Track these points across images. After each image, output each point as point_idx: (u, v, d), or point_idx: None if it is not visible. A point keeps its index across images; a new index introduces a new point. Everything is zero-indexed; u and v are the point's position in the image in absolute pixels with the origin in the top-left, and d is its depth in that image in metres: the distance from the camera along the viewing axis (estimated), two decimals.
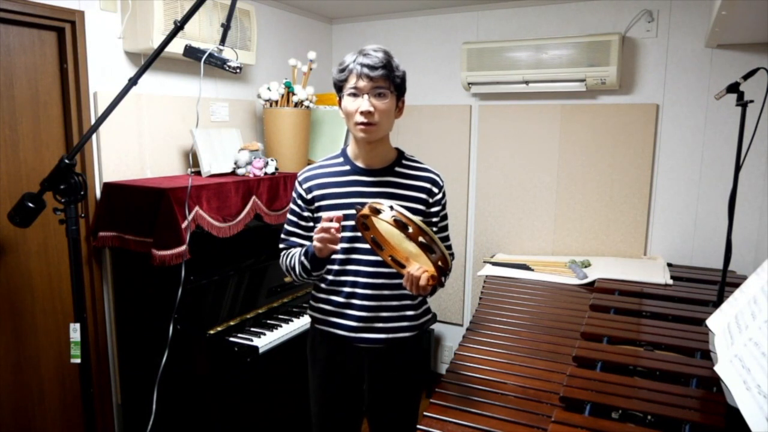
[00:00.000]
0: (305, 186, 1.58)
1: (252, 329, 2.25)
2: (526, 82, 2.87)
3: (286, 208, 2.30)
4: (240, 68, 1.80)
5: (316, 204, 1.56)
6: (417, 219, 1.22)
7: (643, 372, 1.52)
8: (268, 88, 2.70)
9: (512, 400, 1.42)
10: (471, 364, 1.63)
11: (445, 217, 1.64)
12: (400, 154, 1.61)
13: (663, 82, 2.70)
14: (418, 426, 1.32)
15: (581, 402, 1.35)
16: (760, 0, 1.65)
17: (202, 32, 2.39)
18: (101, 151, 2.22)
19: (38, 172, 2.06)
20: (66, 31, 2.09)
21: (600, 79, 2.68)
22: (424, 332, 1.68)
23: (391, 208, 1.24)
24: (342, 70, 1.48)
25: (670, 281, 2.33)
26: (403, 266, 1.36)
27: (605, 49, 2.64)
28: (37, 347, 2.13)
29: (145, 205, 2.05)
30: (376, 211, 1.25)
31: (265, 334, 2.20)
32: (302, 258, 1.52)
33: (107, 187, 2.18)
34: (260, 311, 2.38)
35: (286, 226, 1.64)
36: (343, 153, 1.61)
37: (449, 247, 1.67)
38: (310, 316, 1.67)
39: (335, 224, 1.37)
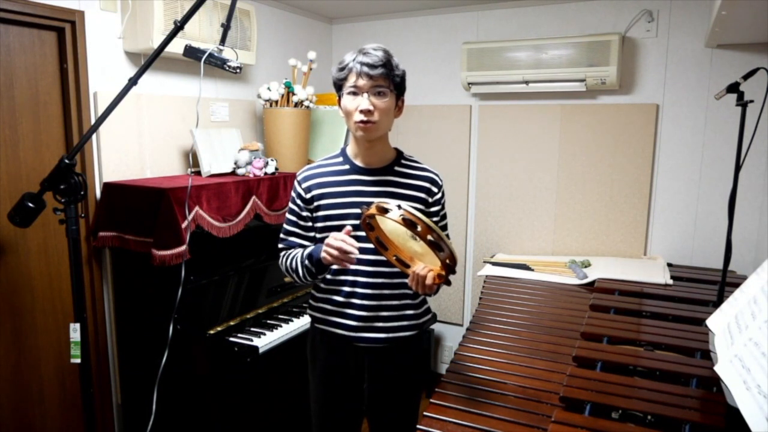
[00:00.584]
0: (304, 185, 1.58)
1: (252, 329, 2.25)
2: (526, 82, 2.87)
3: (286, 208, 2.30)
4: (240, 68, 1.80)
5: (315, 203, 1.56)
6: (425, 217, 1.21)
7: (643, 372, 1.52)
8: (268, 88, 2.70)
9: (512, 400, 1.42)
10: (471, 364, 1.63)
11: (444, 217, 1.64)
12: (399, 154, 1.61)
13: (663, 82, 2.70)
14: (418, 426, 1.32)
15: (581, 402, 1.35)
16: (760, 0, 1.65)
17: (202, 32, 2.40)
18: (101, 151, 2.22)
19: (38, 172, 2.06)
20: (66, 31, 2.09)
21: (600, 79, 2.68)
22: (424, 332, 1.68)
23: (399, 206, 1.23)
24: (342, 69, 1.48)
25: (670, 281, 2.33)
26: (407, 266, 1.36)
27: (605, 49, 2.64)
28: (37, 347, 2.13)
29: (145, 205, 2.05)
30: (384, 210, 1.24)
31: (265, 334, 2.20)
32: (306, 262, 1.51)
33: (107, 187, 2.18)
34: (260, 311, 2.38)
35: (285, 226, 1.64)
36: (343, 152, 1.61)
37: None
38: (310, 315, 1.67)
39: (354, 249, 1.35)
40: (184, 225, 2.01)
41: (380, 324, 1.56)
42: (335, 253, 1.37)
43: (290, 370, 2.44)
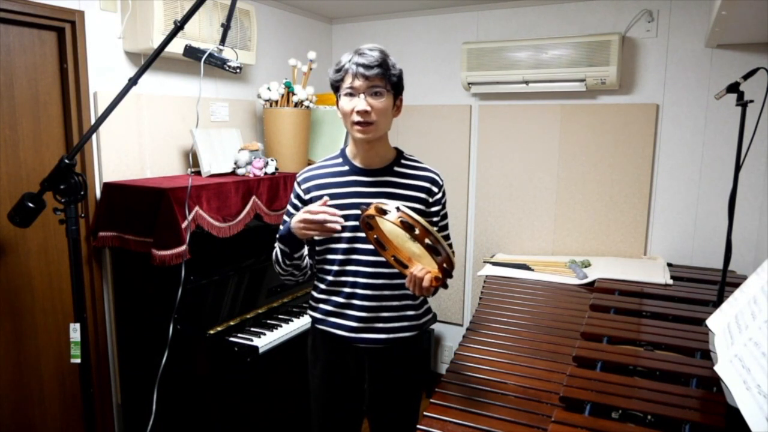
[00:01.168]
0: (303, 187, 1.58)
1: (252, 329, 2.25)
2: (526, 82, 2.87)
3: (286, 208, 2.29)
4: (240, 68, 1.80)
5: None
6: (423, 220, 1.21)
7: (643, 372, 1.52)
8: (268, 88, 2.70)
9: (512, 400, 1.42)
10: (471, 364, 1.63)
11: (445, 216, 1.64)
12: (399, 154, 1.60)
13: (663, 82, 2.70)
14: (418, 426, 1.32)
15: (581, 402, 1.35)
16: (760, 0, 1.65)
17: (202, 32, 2.40)
18: (101, 151, 2.22)
19: (38, 172, 2.06)
20: (66, 31, 2.09)
21: (600, 79, 2.68)
22: (424, 332, 1.68)
23: (398, 209, 1.23)
24: (338, 70, 1.47)
25: (670, 281, 2.33)
26: (405, 266, 1.36)
27: (605, 49, 2.64)
28: (37, 347, 2.13)
29: (145, 205, 2.05)
30: (382, 212, 1.24)
31: (265, 334, 2.20)
32: (278, 245, 1.53)
33: (107, 187, 2.18)
34: (260, 311, 2.38)
35: (281, 226, 1.64)
36: (342, 153, 1.61)
37: (450, 246, 1.66)
38: (311, 316, 1.67)
39: (337, 218, 1.37)
40: (184, 225, 2.01)
41: (380, 324, 1.56)
42: (315, 226, 1.38)
43: (290, 370, 2.45)
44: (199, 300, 2.12)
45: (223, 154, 2.50)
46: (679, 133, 2.69)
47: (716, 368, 1.19)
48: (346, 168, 1.57)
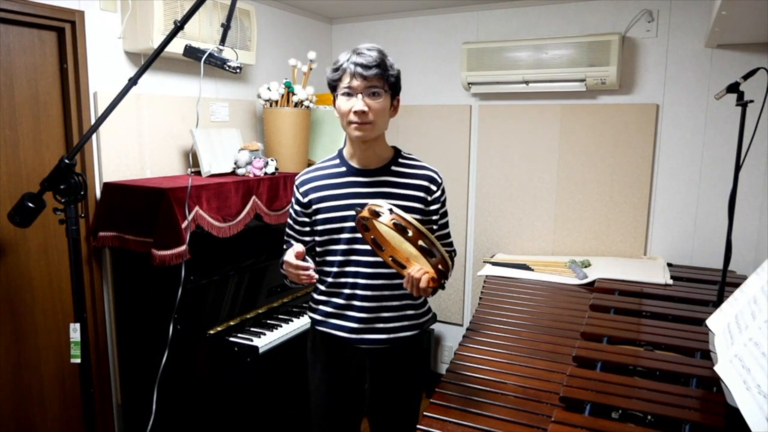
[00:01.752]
0: (302, 190, 1.58)
1: (252, 329, 2.25)
2: (526, 82, 2.87)
3: (286, 208, 2.29)
4: (240, 68, 1.80)
5: (314, 207, 1.56)
6: (417, 222, 1.21)
7: (643, 372, 1.52)
8: (268, 88, 2.70)
9: (512, 400, 1.42)
10: (471, 364, 1.63)
11: (445, 215, 1.63)
12: (397, 153, 1.59)
13: (663, 82, 2.70)
14: (418, 426, 1.32)
15: (581, 402, 1.35)
16: (760, 0, 1.65)
17: (202, 32, 2.39)
18: (101, 151, 2.22)
19: (38, 172, 2.06)
20: (66, 31, 2.09)
21: (600, 79, 2.68)
22: (424, 332, 1.68)
23: (391, 211, 1.22)
24: (336, 70, 1.47)
25: (670, 281, 2.33)
26: (403, 267, 1.35)
27: (605, 49, 2.64)
28: (37, 347, 2.13)
29: (145, 205, 2.05)
30: (376, 214, 1.24)
31: (265, 334, 2.20)
32: (281, 270, 1.56)
33: (107, 187, 2.18)
34: (260, 311, 2.38)
35: (286, 228, 1.67)
36: (339, 154, 1.60)
37: (450, 245, 1.66)
38: (310, 318, 1.67)
39: (310, 272, 1.42)
40: (184, 225, 2.01)
41: (381, 325, 1.56)
42: (293, 275, 1.46)
43: (290, 370, 2.44)
44: (199, 300, 2.12)
45: (223, 154, 2.50)
46: (679, 133, 2.69)
47: (716, 368, 1.19)
48: (344, 169, 1.56)
